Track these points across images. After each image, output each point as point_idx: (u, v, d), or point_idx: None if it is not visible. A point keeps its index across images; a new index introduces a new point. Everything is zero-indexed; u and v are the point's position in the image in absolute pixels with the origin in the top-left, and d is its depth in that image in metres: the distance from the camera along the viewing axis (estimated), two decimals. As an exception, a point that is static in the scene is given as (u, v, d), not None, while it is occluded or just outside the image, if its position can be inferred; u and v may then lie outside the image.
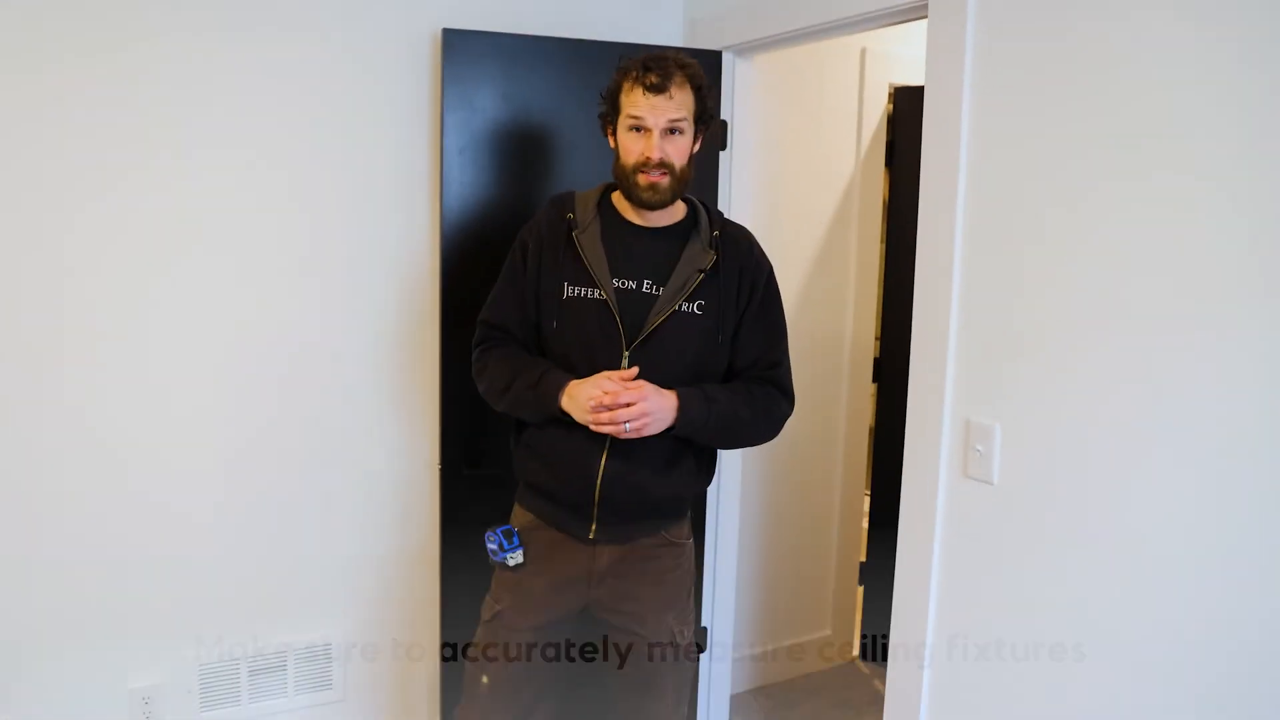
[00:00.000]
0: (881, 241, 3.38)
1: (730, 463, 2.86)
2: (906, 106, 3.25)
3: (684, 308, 1.84)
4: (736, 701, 3.15)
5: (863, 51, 3.21)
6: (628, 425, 1.73)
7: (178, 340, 2.34)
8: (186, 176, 2.29)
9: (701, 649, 2.90)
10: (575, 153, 2.54)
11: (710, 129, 1.91)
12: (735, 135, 2.71)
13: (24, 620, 2.28)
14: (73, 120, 2.17)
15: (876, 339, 3.44)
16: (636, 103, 1.77)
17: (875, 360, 3.43)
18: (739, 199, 2.75)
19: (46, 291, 2.20)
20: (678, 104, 1.77)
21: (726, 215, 2.68)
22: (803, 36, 2.44)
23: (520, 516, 1.97)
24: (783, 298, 3.08)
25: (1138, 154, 1.56)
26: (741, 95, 2.71)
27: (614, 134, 1.87)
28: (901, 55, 3.24)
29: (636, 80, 1.77)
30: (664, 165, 1.78)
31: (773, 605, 3.31)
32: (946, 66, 1.88)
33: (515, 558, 1.91)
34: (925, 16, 1.96)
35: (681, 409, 1.79)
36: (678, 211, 1.93)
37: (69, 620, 2.32)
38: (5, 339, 2.18)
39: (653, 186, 1.79)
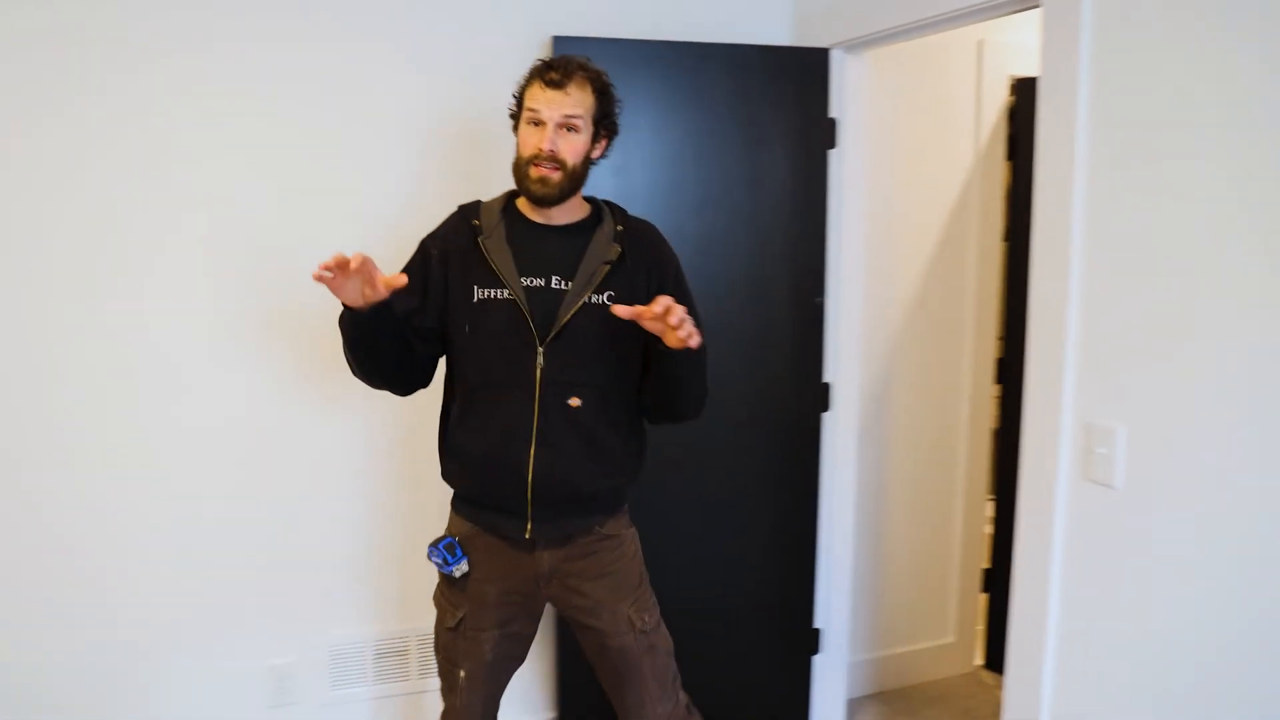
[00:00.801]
0: (1003, 238, 3.28)
1: (845, 462, 2.82)
2: (1027, 98, 3.13)
3: (593, 299, 1.85)
4: (853, 706, 3.10)
5: (980, 43, 3.12)
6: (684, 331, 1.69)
7: (294, 345, 2.48)
8: (300, 172, 2.44)
9: (814, 651, 2.88)
10: (684, 153, 2.56)
11: (611, 135, 1.93)
12: (845, 133, 2.68)
13: (177, 603, 2.46)
14: (179, 131, 2.32)
15: (999, 338, 3.34)
16: (535, 97, 1.83)
17: (998, 360, 3.33)
18: (850, 197, 2.72)
19: (128, 298, 2.36)
20: (575, 101, 1.82)
21: (837, 215, 2.69)
22: (914, 30, 2.39)
23: (457, 525, 1.98)
24: (899, 295, 3.08)
25: (1270, 137, 1.48)
26: (852, 92, 2.68)
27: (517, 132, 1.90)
28: (1021, 45, 3.13)
29: (538, 76, 1.83)
30: (555, 160, 1.81)
31: (892, 609, 3.25)
32: (1061, 55, 1.82)
33: (461, 568, 1.93)
34: (1039, 4, 1.90)
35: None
36: (581, 209, 1.95)
37: (217, 603, 2.49)
38: (166, 346, 2.38)
39: (543, 179, 1.82)
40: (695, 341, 1.73)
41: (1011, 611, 1.99)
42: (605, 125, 1.90)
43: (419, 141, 2.51)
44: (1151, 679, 1.70)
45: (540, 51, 2.50)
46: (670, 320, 1.68)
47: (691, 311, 1.95)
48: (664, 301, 1.68)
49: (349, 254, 1.63)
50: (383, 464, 2.60)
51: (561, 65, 1.82)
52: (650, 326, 1.73)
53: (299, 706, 2.59)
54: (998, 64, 3.16)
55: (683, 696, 2.06)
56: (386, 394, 1.99)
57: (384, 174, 2.50)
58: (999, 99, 3.18)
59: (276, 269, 2.43)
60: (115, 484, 2.38)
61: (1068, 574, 1.85)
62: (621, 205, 2.04)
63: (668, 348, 1.77)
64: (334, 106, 2.43)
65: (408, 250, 1.96)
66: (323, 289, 1.66)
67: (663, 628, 2.03)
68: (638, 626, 1.97)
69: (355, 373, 1.90)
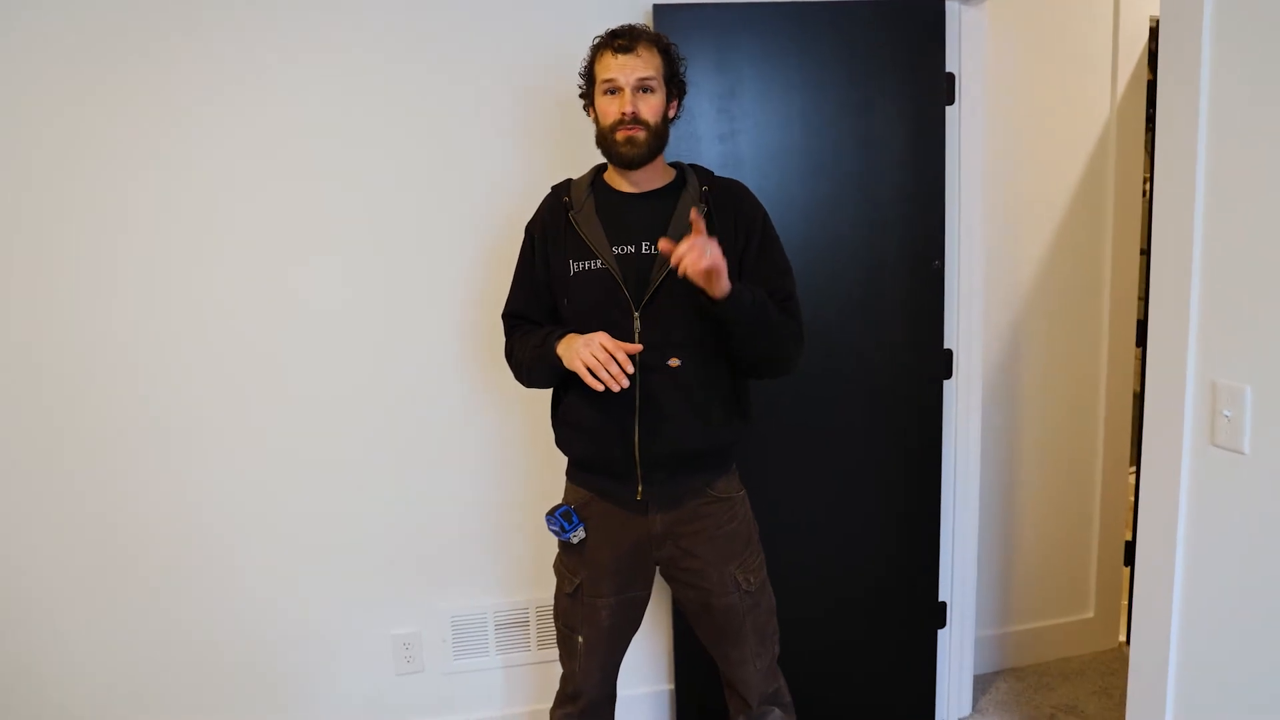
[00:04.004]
0: (1144, 193, 3.09)
1: (968, 431, 2.73)
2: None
3: None
4: (981, 681, 3.01)
5: (1118, -17, 2.94)
6: (710, 252, 1.70)
7: (425, 332, 2.57)
8: (414, 151, 2.52)
9: (940, 624, 2.81)
10: (791, 117, 2.50)
11: (681, 94, 1.98)
12: (963, 89, 2.57)
13: (309, 576, 2.61)
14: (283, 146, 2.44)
15: (1140, 299, 3.15)
16: (608, 66, 1.89)
17: (1139, 322, 3.14)
18: (969, 155, 2.61)
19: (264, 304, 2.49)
20: (645, 63, 1.88)
21: (956, 174, 2.59)
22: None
23: (572, 493, 2.05)
24: (1028, 256, 2.95)
25: None
26: (970, 44, 2.56)
27: (593, 107, 1.96)
28: (1162, -16, 2.93)
29: (606, 46, 1.90)
30: (638, 120, 1.87)
31: (1024, 584, 3.13)
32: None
33: (578, 534, 2.00)
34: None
35: (732, 283, 1.78)
36: (666, 175, 2.00)
37: (345, 576, 2.63)
38: (292, 326, 2.51)
39: (630, 140, 1.88)
40: (704, 264, 1.69)
41: (1136, 585, 1.89)
42: (675, 84, 1.95)
43: (518, 113, 2.54)
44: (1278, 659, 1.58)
45: (640, 20, 2.48)
46: (685, 251, 1.69)
47: (781, 265, 2.00)
48: (669, 245, 1.73)
49: (612, 369, 1.75)
50: (502, 442, 2.67)
51: (625, 32, 1.89)
52: (692, 275, 1.72)
53: (424, 675, 2.71)
54: (1137, 4, 2.96)
55: (776, 649, 2.11)
56: (506, 372, 2.09)
57: (487, 148, 2.54)
58: (1138, 43, 2.99)
59: (399, 249, 2.54)
60: (250, 463, 2.53)
61: (1192, 545, 1.74)
62: (728, 173, 2.04)
63: (712, 299, 1.78)
64: (435, 81, 2.50)
65: (511, 219, 2.00)
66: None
67: (767, 586, 2.08)
68: (743, 587, 2.01)
69: (526, 385, 2.06)
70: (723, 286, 1.75)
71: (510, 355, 2.04)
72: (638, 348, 1.81)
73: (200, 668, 2.57)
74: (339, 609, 2.63)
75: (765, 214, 2.01)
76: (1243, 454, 1.62)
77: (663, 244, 1.75)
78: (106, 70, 2.31)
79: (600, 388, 1.76)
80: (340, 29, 2.42)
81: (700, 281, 1.74)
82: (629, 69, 1.86)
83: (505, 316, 2.08)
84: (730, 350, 1.92)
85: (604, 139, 1.92)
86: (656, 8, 2.40)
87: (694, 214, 1.76)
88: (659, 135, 1.91)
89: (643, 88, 1.88)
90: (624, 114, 1.86)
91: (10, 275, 2.35)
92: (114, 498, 2.47)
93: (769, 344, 1.91)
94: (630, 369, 1.76)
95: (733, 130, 2.48)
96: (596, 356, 1.75)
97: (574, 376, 1.85)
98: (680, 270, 1.72)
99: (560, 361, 1.85)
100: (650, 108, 1.88)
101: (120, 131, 2.34)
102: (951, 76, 2.57)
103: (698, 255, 1.69)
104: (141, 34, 2.31)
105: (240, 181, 2.43)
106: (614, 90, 1.88)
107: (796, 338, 1.96)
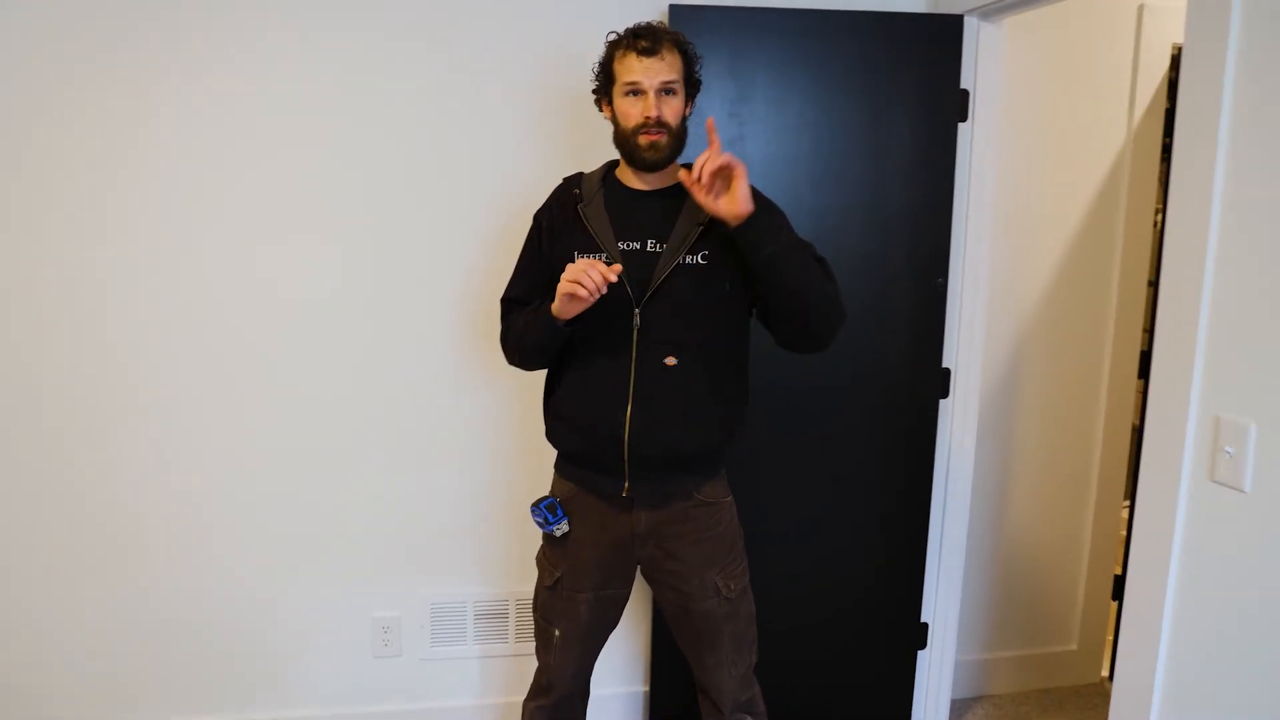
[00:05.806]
0: (1155, 224, 3.05)
1: (962, 452, 2.69)
2: (1190, 70, 2.90)
3: (688, 260, 1.88)
4: (958, 706, 2.97)
5: (1140, 8, 2.89)
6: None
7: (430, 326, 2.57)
8: (423, 144, 2.49)
9: (920, 645, 2.77)
10: (802, 125, 2.47)
11: (696, 93, 1.96)
12: (977, 106, 2.53)
13: (291, 554, 2.60)
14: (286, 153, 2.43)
15: (1145, 330, 3.11)
16: (631, 68, 1.84)
17: (1142, 354, 3.10)
18: (979, 173, 2.57)
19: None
20: (669, 65, 1.85)
21: (964, 192, 2.56)
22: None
23: (559, 486, 2.04)
24: (1033, 280, 2.93)
25: None
26: (986, 62, 2.53)
27: (609, 105, 1.93)
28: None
29: (629, 47, 1.85)
30: (662, 124, 1.85)
31: (1009, 610, 3.09)
32: (1209, 18, 1.65)
33: (561, 528, 1.99)
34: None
35: (758, 203, 1.79)
36: (677, 175, 1.96)
37: (328, 557, 2.62)
38: (290, 311, 2.50)
39: (653, 145, 1.86)
40: (721, 160, 1.72)
41: (1123, 620, 1.86)
42: (692, 84, 1.93)
43: (527, 108, 2.52)
44: (1270, 704, 1.54)
45: (657, 19, 2.45)
46: (704, 159, 1.73)
47: (802, 241, 1.96)
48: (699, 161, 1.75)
49: (594, 274, 1.74)
50: (492, 435, 2.65)
51: (649, 33, 1.85)
52: (707, 205, 1.77)
53: (401, 659, 2.70)
54: (1160, 31, 2.93)
55: (753, 658, 2.09)
56: (500, 364, 2.09)
57: (498, 143, 2.52)
58: (1158, 71, 2.95)
59: (399, 244, 2.53)
60: (244, 453, 2.53)
61: (1184, 582, 1.70)
62: None
63: (737, 232, 1.78)
64: (449, 75, 2.48)
65: (514, 215, 2.04)
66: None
67: (748, 594, 2.06)
68: (723, 593, 2.00)
69: (519, 365, 2.03)
70: (742, 201, 1.75)
71: (506, 334, 2.03)
72: (618, 267, 1.79)
73: (183, 645, 2.57)
74: (323, 590, 2.62)
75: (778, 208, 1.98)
76: (1243, 492, 1.58)
77: (682, 174, 1.79)
78: (89, 59, 2.29)
79: (584, 294, 1.74)
80: (345, 18, 2.40)
81: (719, 190, 1.76)
82: (653, 72, 1.83)
83: (504, 300, 2.07)
84: (766, 304, 1.90)
85: (625, 141, 1.89)
86: (673, 7, 2.37)
87: (710, 123, 1.77)
88: (679, 138, 1.89)
89: (666, 90, 1.85)
90: (648, 118, 1.84)
91: (-2, 272, 2.33)
92: (106, 492, 2.47)
93: (804, 284, 1.83)
94: (612, 279, 1.75)
95: (742, 134, 2.45)
96: (575, 277, 1.75)
97: (567, 366, 1.93)
98: (701, 175, 1.74)
99: (555, 319, 1.84)
100: (673, 110, 1.87)
101: (110, 125, 2.33)
102: (966, 93, 2.53)
103: (717, 155, 1.73)
104: (130, 22, 2.30)
105: (238, 178, 2.41)
106: (637, 92, 1.85)
107: (832, 280, 1.90)
